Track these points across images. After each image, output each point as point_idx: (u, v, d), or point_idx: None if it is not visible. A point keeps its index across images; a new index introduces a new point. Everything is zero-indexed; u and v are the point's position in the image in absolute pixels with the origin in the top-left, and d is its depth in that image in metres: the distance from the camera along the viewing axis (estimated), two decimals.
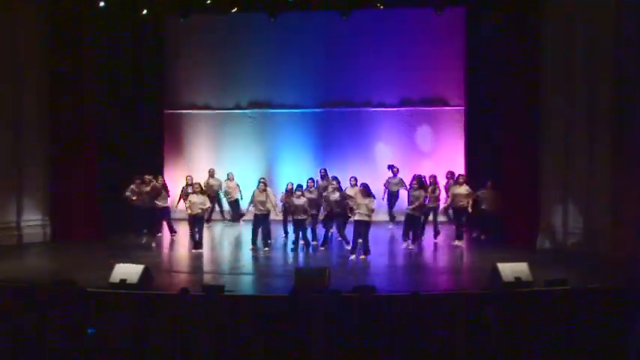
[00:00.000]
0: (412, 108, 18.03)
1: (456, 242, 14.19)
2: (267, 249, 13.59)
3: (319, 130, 18.21)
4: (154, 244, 13.87)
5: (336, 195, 13.64)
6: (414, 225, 13.67)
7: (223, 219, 17.13)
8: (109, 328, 8.97)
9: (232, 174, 16.75)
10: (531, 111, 13.90)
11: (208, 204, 13.84)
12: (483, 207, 14.68)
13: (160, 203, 14.61)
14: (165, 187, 15.12)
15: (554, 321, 9.05)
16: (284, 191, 14.10)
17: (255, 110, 18.46)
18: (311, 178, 14.62)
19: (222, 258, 13.70)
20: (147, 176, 14.45)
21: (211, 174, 16.75)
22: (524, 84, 13.98)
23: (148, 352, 8.84)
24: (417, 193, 13.46)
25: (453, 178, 15.04)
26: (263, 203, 13.52)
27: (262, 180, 13.91)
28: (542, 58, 13.73)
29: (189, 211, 13.53)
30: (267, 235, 13.67)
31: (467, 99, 17.57)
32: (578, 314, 9.09)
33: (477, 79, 16.89)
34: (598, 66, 13.03)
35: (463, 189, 14.20)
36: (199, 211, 13.47)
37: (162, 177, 15.61)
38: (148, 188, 14.26)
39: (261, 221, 13.57)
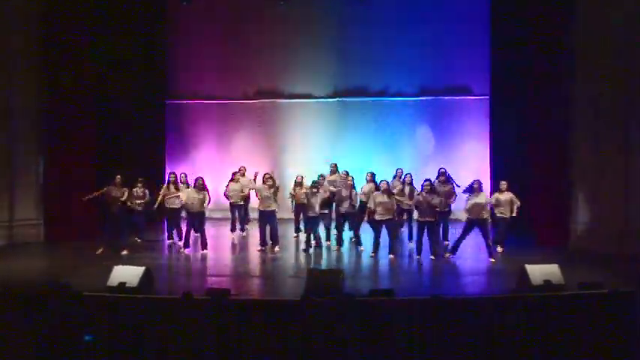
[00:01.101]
0: (432, 97, 17.93)
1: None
2: (277, 249, 13.55)
3: (332, 122, 18.17)
4: (124, 252, 13.28)
5: (345, 193, 13.64)
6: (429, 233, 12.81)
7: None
8: (107, 335, 8.94)
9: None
10: (561, 101, 13.74)
11: (208, 197, 13.73)
12: (497, 214, 13.30)
13: (169, 205, 14.40)
14: (176, 186, 14.48)
15: (587, 327, 8.95)
16: (294, 184, 14.23)
17: (264, 100, 18.40)
18: (321, 175, 14.55)
19: (228, 260, 13.62)
20: (118, 177, 13.56)
21: (242, 173, 15.88)
22: (554, 72, 13.83)
23: None
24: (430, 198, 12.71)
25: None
26: (269, 200, 13.48)
27: (269, 176, 13.85)
28: (573, 42, 13.56)
29: (191, 209, 13.47)
30: (275, 235, 13.62)
31: (492, 88, 17.35)
32: (614, 319, 8.98)
33: (502, 67, 16.63)
34: (636, 49, 12.83)
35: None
36: (200, 208, 13.42)
37: (176, 175, 14.67)
38: (119, 193, 13.46)
39: (267, 219, 13.53)
